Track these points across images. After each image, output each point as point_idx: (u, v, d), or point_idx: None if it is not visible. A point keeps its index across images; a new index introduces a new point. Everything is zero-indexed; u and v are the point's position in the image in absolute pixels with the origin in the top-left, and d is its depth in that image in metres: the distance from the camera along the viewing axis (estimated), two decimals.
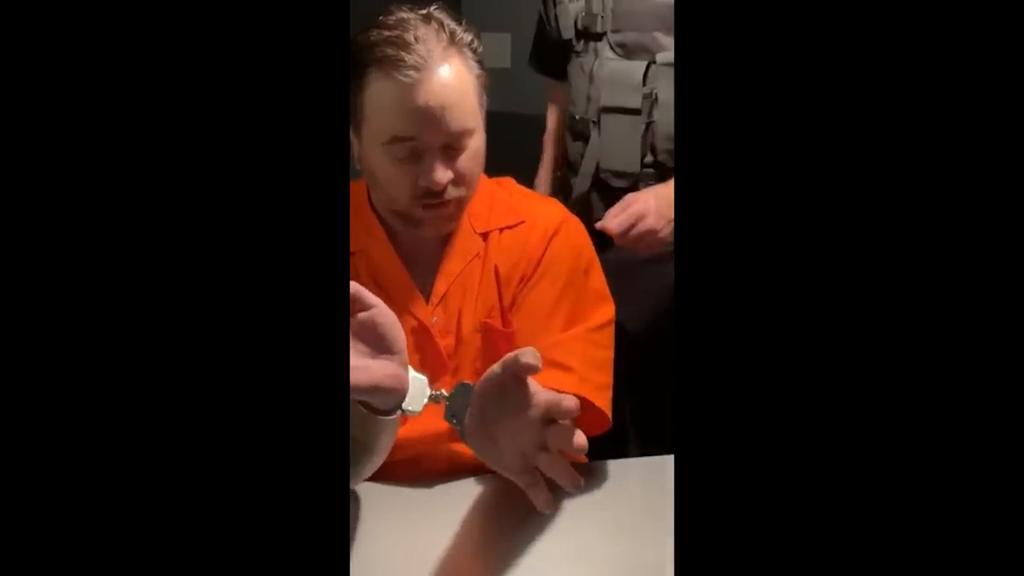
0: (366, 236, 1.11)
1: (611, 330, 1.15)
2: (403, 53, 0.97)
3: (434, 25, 1.01)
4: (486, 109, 1.09)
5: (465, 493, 1.07)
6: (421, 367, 1.06)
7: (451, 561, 0.95)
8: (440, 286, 1.12)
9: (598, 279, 1.17)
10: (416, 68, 0.96)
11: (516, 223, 1.15)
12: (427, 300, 1.12)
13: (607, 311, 1.15)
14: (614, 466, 1.15)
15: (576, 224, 1.19)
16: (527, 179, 1.92)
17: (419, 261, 1.12)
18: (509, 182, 1.23)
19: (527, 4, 1.90)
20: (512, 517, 1.03)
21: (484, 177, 1.15)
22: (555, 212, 1.18)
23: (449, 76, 0.99)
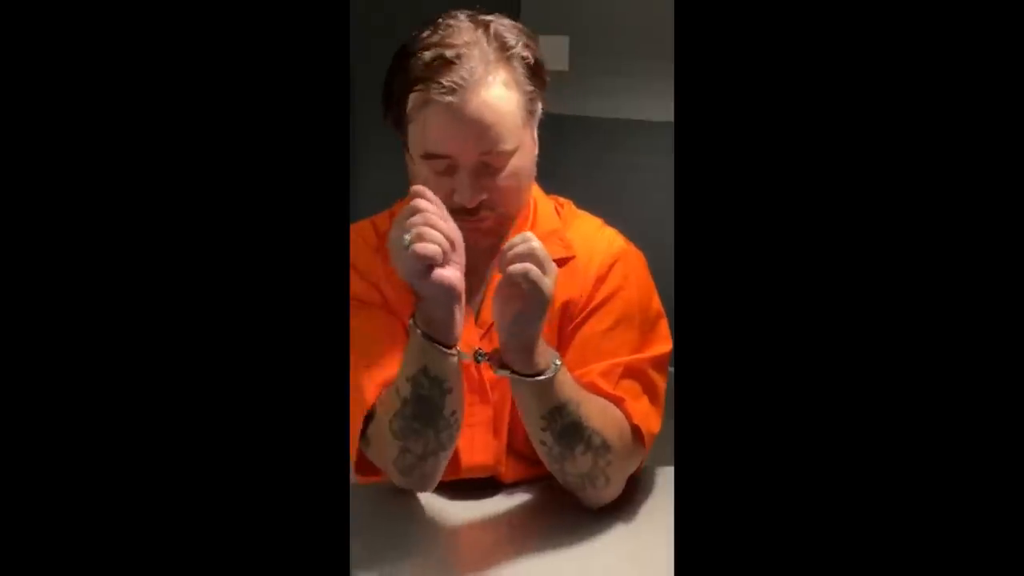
0: None
1: (665, 363, 1.11)
2: (442, 71, 0.95)
3: (484, 35, 0.99)
4: (539, 119, 1.05)
5: (465, 494, 1.07)
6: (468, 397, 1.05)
7: (451, 562, 0.95)
8: (487, 314, 1.09)
9: (655, 311, 1.12)
10: (452, 90, 0.94)
11: (567, 257, 1.11)
12: (476, 319, 1.09)
13: (664, 346, 1.10)
14: None
15: (634, 256, 1.14)
16: (583, 181, 1.91)
17: (471, 277, 1.08)
18: (568, 205, 1.18)
19: (586, 6, 1.89)
20: (512, 521, 1.02)
21: (542, 195, 1.12)
22: (608, 247, 1.13)
23: (489, 96, 0.95)
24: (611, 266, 1.07)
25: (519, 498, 1.03)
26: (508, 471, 1.03)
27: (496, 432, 1.01)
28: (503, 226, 1.03)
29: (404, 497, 1.03)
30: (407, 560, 0.93)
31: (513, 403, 1.00)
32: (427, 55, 0.96)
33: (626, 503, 1.00)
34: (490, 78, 0.95)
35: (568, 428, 0.92)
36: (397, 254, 0.86)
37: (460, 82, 0.94)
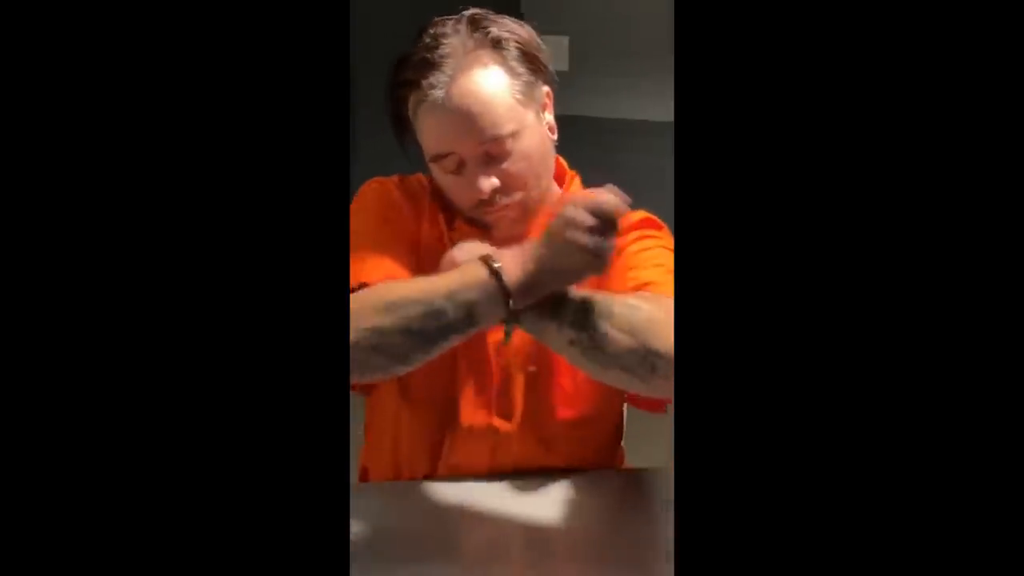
0: (462, 220, 1.10)
1: None
2: (426, 73, 0.96)
3: (466, 29, 0.99)
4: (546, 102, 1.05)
5: (467, 495, 1.07)
6: (466, 357, 1.04)
7: (450, 563, 0.96)
8: None
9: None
10: (436, 87, 0.95)
11: None
12: None
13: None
14: (614, 475, 1.14)
15: (651, 225, 1.14)
16: (583, 182, 1.91)
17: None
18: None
19: (586, 6, 1.90)
20: (512, 523, 1.03)
21: (580, 188, 1.12)
22: (632, 219, 1.14)
23: (472, 84, 0.95)
24: (634, 222, 1.07)
25: (520, 498, 1.04)
26: (516, 449, 1.04)
27: (505, 397, 1.03)
28: (528, 211, 1.03)
29: (405, 496, 1.04)
30: (407, 560, 0.93)
31: (525, 388, 1.02)
32: (414, 61, 0.97)
33: (626, 504, 1.00)
34: (472, 67, 0.96)
35: (581, 309, 0.89)
36: (580, 244, 0.84)
37: (443, 79, 0.95)
